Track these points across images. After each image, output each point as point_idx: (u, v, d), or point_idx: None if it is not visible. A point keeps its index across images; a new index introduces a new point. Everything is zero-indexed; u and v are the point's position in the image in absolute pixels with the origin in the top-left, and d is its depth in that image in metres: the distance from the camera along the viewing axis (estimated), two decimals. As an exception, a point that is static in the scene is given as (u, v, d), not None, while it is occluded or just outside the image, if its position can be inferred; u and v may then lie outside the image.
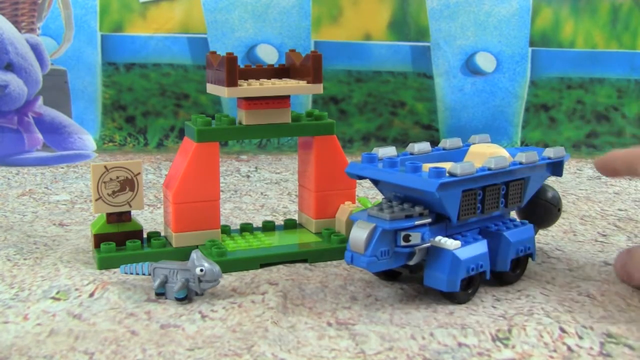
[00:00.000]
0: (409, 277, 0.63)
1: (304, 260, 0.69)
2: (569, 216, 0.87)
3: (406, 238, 0.56)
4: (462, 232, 0.60)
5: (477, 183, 0.59)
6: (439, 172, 0.55)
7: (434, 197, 0.56)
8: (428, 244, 0.57)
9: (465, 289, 0.59)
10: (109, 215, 0.68)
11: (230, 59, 0.66)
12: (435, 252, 0.58)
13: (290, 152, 1.30)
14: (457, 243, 0.57)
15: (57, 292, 0.61)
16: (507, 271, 0.62)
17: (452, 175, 0.57)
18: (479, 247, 0.59)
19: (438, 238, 0.58)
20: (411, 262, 0.58)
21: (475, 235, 0.60)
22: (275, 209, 0.91)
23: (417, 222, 0.56)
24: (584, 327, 0.54)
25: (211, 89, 0.70)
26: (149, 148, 1.33)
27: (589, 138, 1.34)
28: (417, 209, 0.57)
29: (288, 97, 0.70)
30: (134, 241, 0.68)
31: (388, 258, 0.56)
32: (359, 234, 0.55)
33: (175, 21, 1.36)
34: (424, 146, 0.65)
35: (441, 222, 0.59)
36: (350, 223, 0.70)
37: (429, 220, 0.57)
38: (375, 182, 0.61)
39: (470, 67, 1.37)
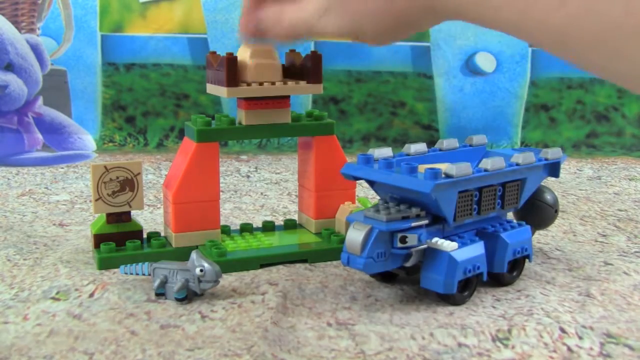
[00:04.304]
0: (409, 278, 0.63)
1: (304, 261, 0.69)
2: (569, 216, 0.87)
3: (403, 239, 0.55)
4: (459, 233, 0.60)
5: (473, 184, 0.59)
6: (434, 174, 0.55)
7: (429, 198, 0.56)
8: (425, 246, 0.57)
9: (462, 291, 0.58)
10: (108, 215, 0.68)
11: (230, 59, 0.66)
12: (431, 253, 0.57)
13: (290, 152, 1.30)
14: (454, 244, 0.57)
15: (57, 292, 0.61)
16: (504, 272, 0.62)
17: (447, 176, 0.56)
18: (476, 249, 0.59)
19: (434, 239, 0.57)
20: (408, 264, 0.58)
21: (472, 237, 0.60)
22: (275, 209, 0.91)
23: (413, 224, 0.56)
24: (583, 327, 0.54)
25: (211, 89, 0.70)
26: (149, 148, 1.33)
27: (589, 138, 1.34)
28: (414, 210, 0.56)
29: (288, 97, 0.70)
30: (134, 241, 0.68)
31: (384, 259, 0.56)
32: (355, 236, 0.55)
33: (175, 21, 1.36)
34: (420, 147, 0.65)
35: (438, 223, 0.59)
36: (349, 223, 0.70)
37: (426, 221, 0.57)
38: (371, 183, 0.61)
39: (470, 67, 1.37)
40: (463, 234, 0.60)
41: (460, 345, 0.51)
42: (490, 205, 0.61)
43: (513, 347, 0.51)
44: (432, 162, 0.65)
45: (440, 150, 0.67)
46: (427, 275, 0.57)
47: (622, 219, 0.85)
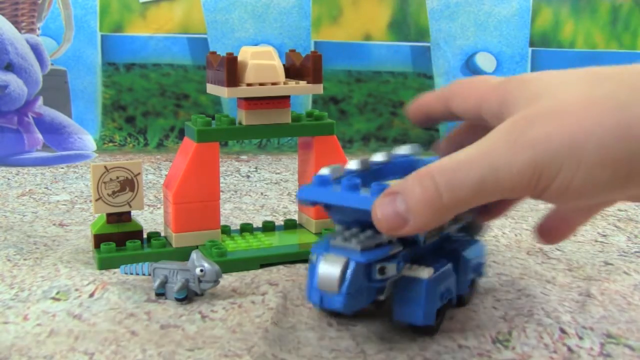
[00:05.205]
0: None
1: (304, 261, 0.69)
2: (569, 216, 0.87)
3: (382, 270, 0.49)
4: (424, 255, 0.53)
5: None
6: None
7: None
8: (397, 275, 0.50)
9: (436, 319, 0.52)
10: (109, 215, 0.68)
11: (230, 59, 0.66)
12: (406, 282, 0.50)
13: (290, 152, 1.30)
14: (430, 270, 0.50)
15: (57, 293, 0.61)
16: (466, 292, 0.57)
17: None
18: (448, 272, 0.53)
19: (408, 266, 0.51)
20: (382, 297, 0.50)
21: (438, 259, 0.53)
22: (275, 209, 0.91)
23: (391, 252, 0.49)
24: (584, 328, 0.54)
25: (211, 89, 0.70)
26: (149, 148, 1.33)
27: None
28: (384, 236, 0.49)
29: (288, 97, 0.70)
30: (134, 241, 0.68)
31: (362, 295, 0.48)
32: (331, 270, 0.47)
33: (175, 21, 1.36)
34: (380, 157, 0.57)
35: (406, 247, 0.51)
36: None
37: (401, 247, 0.50)
38: (328, 207, 0.52)
39: (470, 67, 1.37)
40: (427, 257, 0.53)
41: (460, 346, 0.51)
42: (452, 220, 0.51)
43: (514, 348, 0.51)
44: (391, 175, 0.57)
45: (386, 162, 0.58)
46: (403, 308, 0.50)
47: (622, 219, 0.85)
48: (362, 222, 0.49)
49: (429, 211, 0.41)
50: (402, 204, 0.42)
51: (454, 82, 0.53)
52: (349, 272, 0.47)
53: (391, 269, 0.49)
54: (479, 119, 0.49)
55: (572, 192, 0.39)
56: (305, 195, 0.51)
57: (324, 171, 0.52)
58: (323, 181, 0.50)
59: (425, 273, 0.50)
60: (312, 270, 0.50)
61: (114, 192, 0.67)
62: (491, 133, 0.41)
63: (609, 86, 0.40)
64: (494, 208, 0.56)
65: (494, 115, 0.45)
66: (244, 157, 1.26)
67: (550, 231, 0.55)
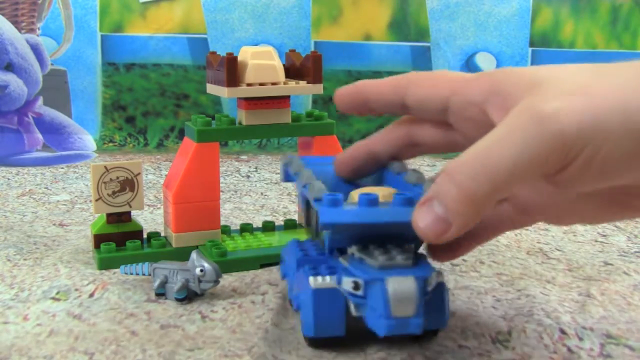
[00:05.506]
0: None
1: (304, 261, 0.69)
2: (569, 216, 0.87)
3: (430, 281, 0.46)
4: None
5: None
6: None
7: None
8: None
9: None
10: (109, 215, 0.68)
11: (230, 59, 0.66)
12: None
13: (290, 152, 1.30)
14: (440, 271, 0.48)
15: (57, 293, 0.61)
16: None
17: None
18: None
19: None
20: None
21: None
22: (275, 209, 0.91)
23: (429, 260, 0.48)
24: (584, 328, 0.54)
25: (211, 89, 0.70)
26: (149, 148, 1.33)
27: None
28: (410, 247, 0.47)
29: (288, 97, 0.70)
30: (134, 241, 0.68)
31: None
32: (407, 292, 0.43)
33: (175, 21, 1.36)
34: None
35: None
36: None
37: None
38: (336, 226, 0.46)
39: (470, 67, 1.37)
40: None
41: (460, 346, 0.51)
42: None
43: (514, 348, 0.51)
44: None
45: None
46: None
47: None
48: (367, 237, 0.47)
49: (469, 206, 0.39)
50: (440, 208, 0.39)
51: (410, 73, 0.50)
52: (420, 290, 0.44)
53: (434, 278, 0.46)
54: (438, 112, 0.47)
55: (595, 167, 0.38)
56: (332, 219, 0.45)
57: (319, 186, 0.48)
58: (334, 201, 0.45)
59: (442, 276, 0.48)
60: (321, 301, 0.47)
61: (114, 192, 0.67)
62: (503, 121, 0.39)
63: (612, 75, 0.39)
64: (457, 247, 0.52)
65: (473, 105, 0.44)
66: (244, 157, 1.26)
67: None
